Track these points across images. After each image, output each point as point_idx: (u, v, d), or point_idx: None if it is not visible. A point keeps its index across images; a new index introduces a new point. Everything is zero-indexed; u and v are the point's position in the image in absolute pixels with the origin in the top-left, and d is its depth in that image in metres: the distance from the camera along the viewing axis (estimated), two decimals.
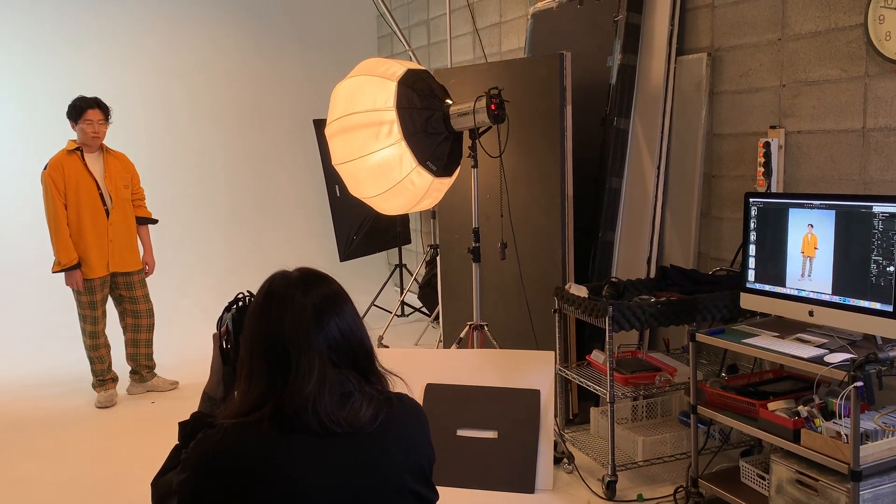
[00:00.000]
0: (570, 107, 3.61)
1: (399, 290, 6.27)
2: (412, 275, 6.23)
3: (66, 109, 4.28)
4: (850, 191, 2.95)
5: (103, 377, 4.43)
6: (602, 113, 3.83)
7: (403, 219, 6.25)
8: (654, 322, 3.02)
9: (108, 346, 4.45)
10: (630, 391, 3.10)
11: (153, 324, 4.56)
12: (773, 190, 3.21)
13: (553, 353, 3.34)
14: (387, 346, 5.31)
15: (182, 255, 6.31)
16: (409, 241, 6.46)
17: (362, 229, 6.14)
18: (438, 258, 4.62)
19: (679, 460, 3.18)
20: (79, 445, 3.87)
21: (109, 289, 4.42)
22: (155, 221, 4.62)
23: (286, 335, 1.29)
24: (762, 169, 3.25)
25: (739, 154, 3.44)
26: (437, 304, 5.46)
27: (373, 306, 6.04)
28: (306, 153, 6.86)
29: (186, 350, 5.22)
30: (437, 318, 5.40)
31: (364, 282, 6.89)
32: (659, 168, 3.71)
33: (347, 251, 6.18)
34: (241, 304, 1.50)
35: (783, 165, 3.22)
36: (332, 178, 6.30)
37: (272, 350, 1.30)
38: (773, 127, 3.25)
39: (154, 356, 4.64)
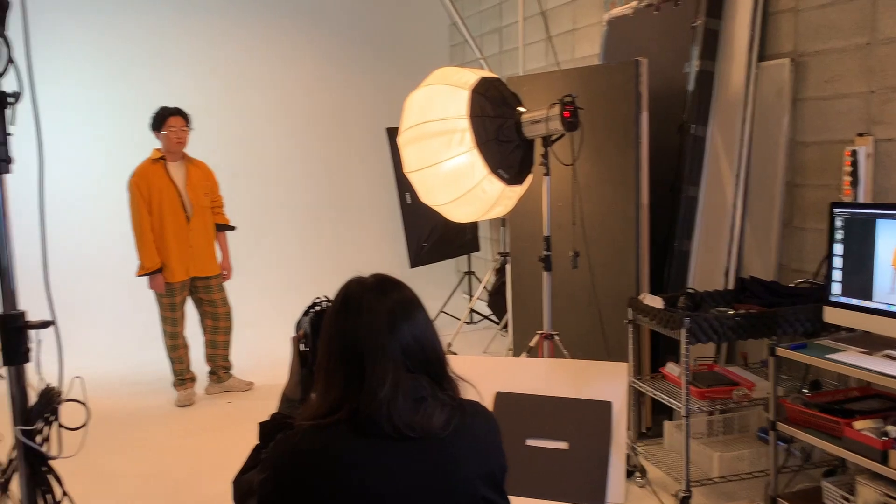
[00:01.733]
0: (645, 114, 3.55)
1: (468, 297, 6.28)
2: (481, 282, 6.24)
3: (149, 120, 4.47)
4: None
5: (182, 377, 4.59)
6: (678, 120, 3.76)
7: (473, 226, 6.26)
8: (731, 335, 2.93)
9: (187, 347, 4.61)
10: (706, 405, 3.02)
11: (231, 326, 4.70)
12: (861, 200, 3.08)
13: (626, 364, 3.28)
14: (455, 353, 5.32)
15: (259, 261, 6.48)
16: (478, 249, 6.46)
17: (432, 236, 6.18)
18: (508, 266, 4.61)
19: (757, 478, 3.08)
20: (160, 442, 4.01)
21: (189, 292, 4.58)
22: (233, 228, 4.76)
23: (361, 340, 1.32)
24: (849, 178, 3.12)
25: (824, 162, 3.31)
26: (507, 312, 5.45)
27: (441, 313, 6.07)
28: (379, 161, 6.95)
29: (262, 352, 5.36)
30: (506, 326, 5.39)
31: (433, 288, 6.93)
32: (738, 176, 3.60)
33: (417, 258, 6.23)
34: (318, 308, 1.53)
35: (872, 175, 3.09)
36: (403, 186, 6.36)
37: (348, 354, 1.32)
38: (860, 134, 3.12)
39: (231, 357, 4.78)
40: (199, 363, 4.74)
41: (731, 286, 3.61)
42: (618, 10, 4.38)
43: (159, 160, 4.45)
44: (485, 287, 5.96)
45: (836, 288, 2.70)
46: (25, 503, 1.40)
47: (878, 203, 2.74)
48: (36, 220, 1.74)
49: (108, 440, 4.05)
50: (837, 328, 2.83)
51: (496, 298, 5.57)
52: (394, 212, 6.80)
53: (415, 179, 3.55)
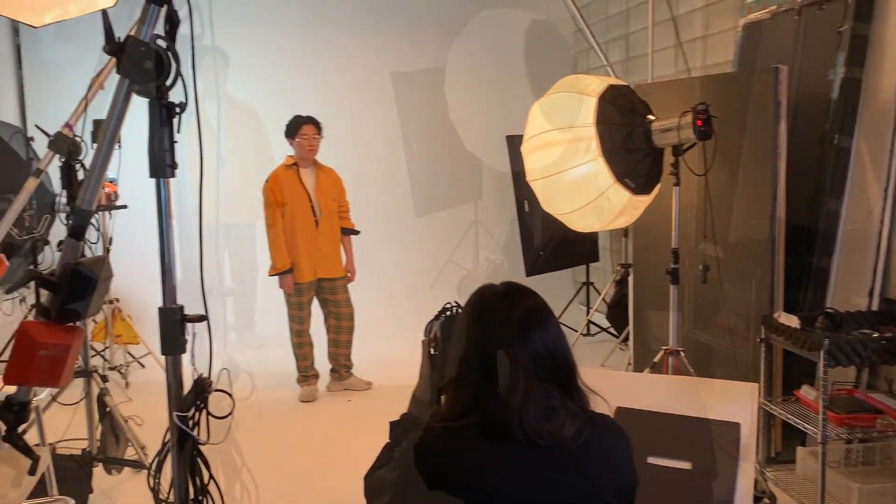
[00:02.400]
0: (784, 123, 3.38)
1: (585, 308, 6.18)
2: (599, 293, 6.14)
3: (283, 129, 4.69)
4: None
5: (307, 373, 4.78)
6: (820, 130, 3.56)
7: (592, 236, 6.17)
8: (875, 359, 2.75)
9: (311, 345, 4.79)
10: (844, 432, 2.83)
11: (353, 326, 4.84)
12: None
13: (756, 385, 3.13)
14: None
15: (380, 264, 6.64)
16: (597, 259, 6.35)
17: (550, 245, 6.14)
18: (630, 278, 4.51)
19: None
20: (283, 435, 4.18)
21: (315, 292, 4.76)
22: (357, 232, 4.91)
23: (492, 347, 1.32)
24: None
25: None
26: (627, 324, 5.32)
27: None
28: (498, 169, 6.97)
29: (380, 353, 5.47)
30: (626, 339, 5.26)
31: (548, 298, 6.87)
32: (887, 190, 3.37)
33: (534, 266, 6.20)
34: (449, 313, 1.55)
35: None
36: (522, 194, 6.34)
37: (479, 360, 1.34)
38: None
39: (352, 357, 4.92)
40: (322, 361, 4.90)
41: (875, 307, 3.38)
42: (755, 15, 4.20)
43: (292, 166, 4.66)
44: (603, 299, 5.85)
45: None
46: (177, 484, 1.50)
47: None
48: (184, 222, 1.88)
49: (237, 431, 4.27)
50: None
51: (616, 311, 5.46)
52: (511, 220, 6.80)
53: (537, 188, 3.53)
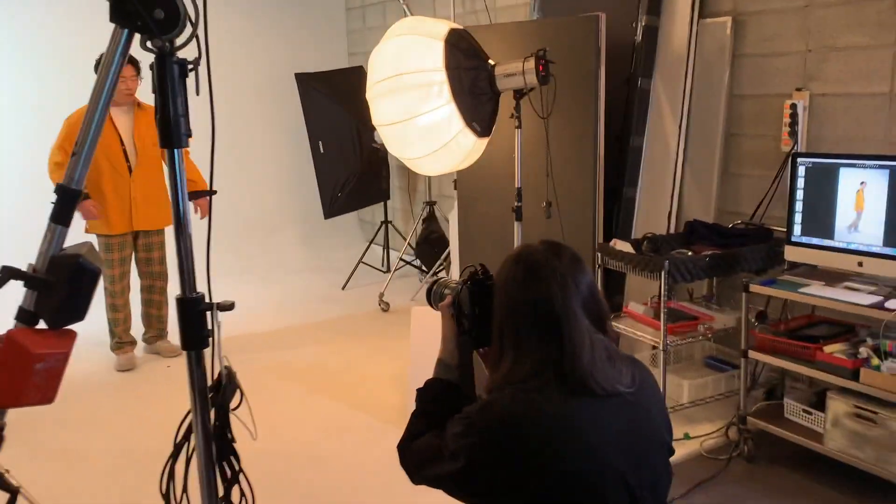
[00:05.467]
0: (604, 68, 3.72)
1: (382, 247, 6.28)
2: (399, 232, 6.29)
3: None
4: (873, 151, 3.20)
5: (122, 340, 4.31)
6: (625, 73, 3.96)
7: (387, 175, 6.25)
8: (703, 274, 3.23)
9: (128, 308, 4.30)
10: (679, 340, 3.32)
11: (165, 287, 4.44)
12: (800, 149, 3.44)
13: None
14: (388, 304, 5.38)
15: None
16: (388, 198, 6.44)
17: (347, 186, 6.11)
18: (452, 214, 4.69)
19: (717, 401, 3.45)
20: (106, 412, 3.78)
21: (131, 249, 4.25)
22: (212, 193, 4.43)
23: (555, 304, 1.36)
24: (787, 129, 3.48)
25: (761, 114, 3.65)
26: (435, 260, 5.55)
27: (361, 263, 6.05)
28: (282, 109, 6.68)
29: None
30: (433, 274, 5.49)
31: (346, 239, 6.90)
32: (681, 127, 3.89)
33: (332, 208, 6.15)
34: (478, 278, 1.55)
35: (807, 126, 3.45)
36: (316, 135, 6.18)
37: (541, 319, 1.36)
38: (798, 89, 3.47)
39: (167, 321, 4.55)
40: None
41: (672, 229, 3.93)
42: None
43: None
44: (403, 237, 5.99)
45: (798, 229, 3.05)
46: (208, 488, 1.35)
47: (840, 154, 3.05)
48: None
49: (54, 414, 3.77)
50: (794, 265, 3.18)
51: (424, 247, 5.65)
52: (301, 161, 6.59)
53: (389, 133, 3.51)
